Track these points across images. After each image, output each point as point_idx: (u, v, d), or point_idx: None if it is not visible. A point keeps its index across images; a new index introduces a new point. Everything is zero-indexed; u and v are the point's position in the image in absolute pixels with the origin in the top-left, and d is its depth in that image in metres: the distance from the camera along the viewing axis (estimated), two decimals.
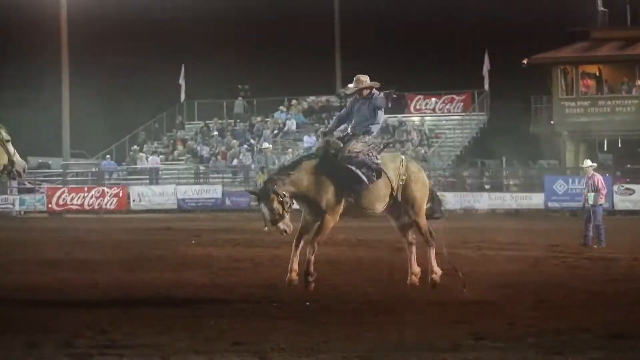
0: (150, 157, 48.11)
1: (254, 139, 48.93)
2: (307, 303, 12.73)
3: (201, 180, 46.60)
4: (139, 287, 14.44)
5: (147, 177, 47.33)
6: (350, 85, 14.84)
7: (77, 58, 48.67)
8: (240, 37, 55.71)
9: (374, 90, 14.79)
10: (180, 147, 50.54)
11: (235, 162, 47.17)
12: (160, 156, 49.14)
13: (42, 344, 9.56)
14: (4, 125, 10.06)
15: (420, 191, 14.65)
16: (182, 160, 49.40)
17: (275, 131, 50.58)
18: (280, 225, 13.64)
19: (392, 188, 14.26)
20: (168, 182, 45.91)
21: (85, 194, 43.47)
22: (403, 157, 14.93)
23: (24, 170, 10.19)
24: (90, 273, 16.54)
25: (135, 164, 48.32)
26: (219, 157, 48.08)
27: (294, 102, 52.23)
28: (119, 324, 10.95)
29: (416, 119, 50.13)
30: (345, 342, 9.89)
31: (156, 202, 43.40)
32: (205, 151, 49.10)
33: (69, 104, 48.40)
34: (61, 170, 47.84)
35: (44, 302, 12.88)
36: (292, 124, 50.74)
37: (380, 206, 14.44)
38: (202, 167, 47.57)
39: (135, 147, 49.36)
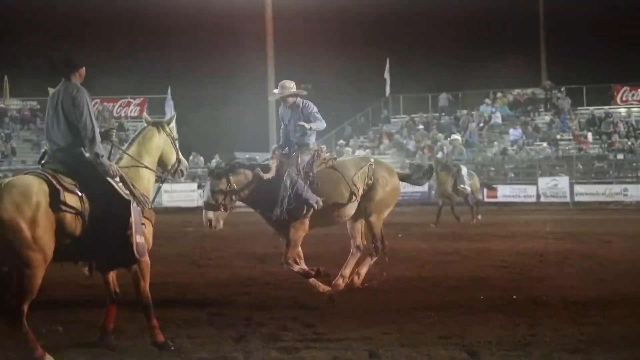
0: (357, 152, 48.39)
1: (459, 132, 48.59)
2: (514, 296, 12.59)
3: None
4: None
5: None
6: (275, 91, 14.12)
7: (282, 53, 49.48)
8: (444, 30, 55.43)
9: (299, 99, 14.01)
10: (386, 141, 50.73)
11: (439, 155, 47.02)
12: (367, 150, 49.35)
13: (250, 338, 9.75)
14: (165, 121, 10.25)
15: (387, 195, 13.83)
16: (388, 154, 49.49)
17: (481, 124, 50.19)
18: (210, 214, 12.64)
19: (352, 192, 13.44)
20: None
21: None
22: (372, 160, 14.18)
23: (186, 169, 10.40)
24: None
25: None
26: (425, 150, 47.97)
27: (499, 95, 51.72)
28: (326, 317, 11.09)
29: (623, 111, 48.88)
30: (553, 335, 9.74)
31: None
32: (411, 145, 49.13)
33: (275, 100, 49.19)
34: None
35: (251, 296, 13.12)
36: (497, 117, 50.22)
37: (351, 210, 13.64)
38: (407, 161, 47.53)
39: (341, 141, 49.71)
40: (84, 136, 9.09)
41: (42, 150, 9.45)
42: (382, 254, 13.91)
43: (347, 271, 13.67)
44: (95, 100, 52.09)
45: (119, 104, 52.61)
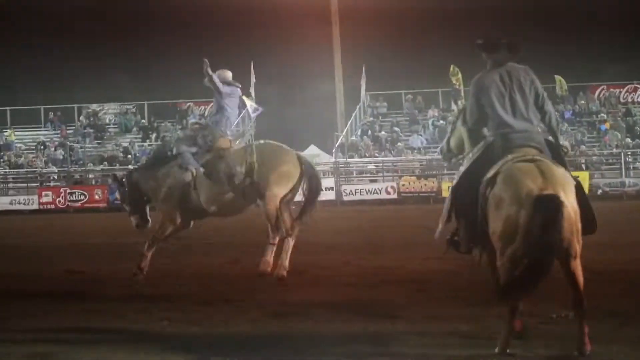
0: None
1: None
2: None
3: None
4: None
5: None
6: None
7: None
8: None
9: None
10: None
11: None
12: None
13: None
14: None
15: (270, 177, 13.51)
16: None
17: None
18: (132, 218, 14.51)
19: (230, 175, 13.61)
20: None
21: None
22: (260, 142, 13.72)
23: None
24: None
25: None
26: None
27: None
28: None
29: None
30: None
31: None
32: None
33: None
34: None
35: None
36: None
37: (206, 201, 13.86)
38: None
39: None
40: (553, 119, 9.00)
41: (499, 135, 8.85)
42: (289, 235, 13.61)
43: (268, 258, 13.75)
44: (602, 86, 52.14)
45: (625, 89, 52.34)
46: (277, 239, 13.91)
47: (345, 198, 42.55)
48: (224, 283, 13.83)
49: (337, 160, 45.81)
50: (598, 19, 51.40)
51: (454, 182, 9.04)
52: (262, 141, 14.11)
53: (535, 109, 8.88)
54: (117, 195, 15.92)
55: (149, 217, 14.57)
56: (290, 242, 13.83)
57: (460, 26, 50.52)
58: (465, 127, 9.38)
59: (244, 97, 14.81)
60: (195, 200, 14.09)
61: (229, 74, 14.60)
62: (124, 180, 14.86)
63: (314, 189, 14.16)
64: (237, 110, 14.72)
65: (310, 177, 14.14)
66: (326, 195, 41.92)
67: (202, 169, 13.86)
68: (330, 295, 12.22)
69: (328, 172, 45.61)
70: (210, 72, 14.20)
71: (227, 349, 8.90)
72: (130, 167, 47.76)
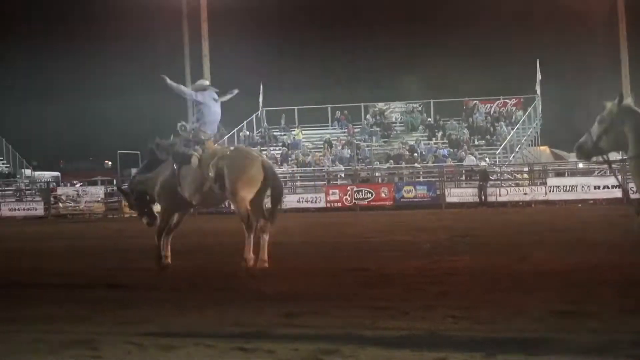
0: None
1: None
2: None
3: None
4: None
5: None
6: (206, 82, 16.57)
7: None
8: None
9: None
10: None
11: None
12: None
13: None
14: None
15: (237, 178, 15.14)
16: None
17: None
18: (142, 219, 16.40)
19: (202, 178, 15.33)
20: None
21: None
22: (230, 148, 16.19)
23: None
24: None
25: None
26: None
27: None
28: None
29: None
30: None
31: None
32: None
33: None
34: None
35: None
36: None
37: (189, 195, 15.54)
38: None
39: None
40: None
41: None
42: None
43: (248, 255, 15.35)
44: None
45: None
46: (252, 236, 15.42)
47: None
48: (509, 281, 13.88)
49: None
50: None
51: None
52: (232, 147, 16.45)
53: None
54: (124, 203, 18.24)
55: (156, 215, 16.38)
56: (266, 237, 15.50)
57: None
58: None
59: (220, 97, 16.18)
60: (181, 194, 15.71)
61: (204, 82, 16.47)
62: (124, 189, 17.34)
63: (277, 191, 15.83)
64: (215, 113, 16.00)
65: (273, 181, 15.72)
66: (612, 193, 41.14)
67: (201, 152, 15.45)
68: (600, 294, 12.14)
69: (615, 170, 44.60)
70: (170, 84, 15.79)
71: (511, 348, 8.90)
72: (416, 165, 48.45)
